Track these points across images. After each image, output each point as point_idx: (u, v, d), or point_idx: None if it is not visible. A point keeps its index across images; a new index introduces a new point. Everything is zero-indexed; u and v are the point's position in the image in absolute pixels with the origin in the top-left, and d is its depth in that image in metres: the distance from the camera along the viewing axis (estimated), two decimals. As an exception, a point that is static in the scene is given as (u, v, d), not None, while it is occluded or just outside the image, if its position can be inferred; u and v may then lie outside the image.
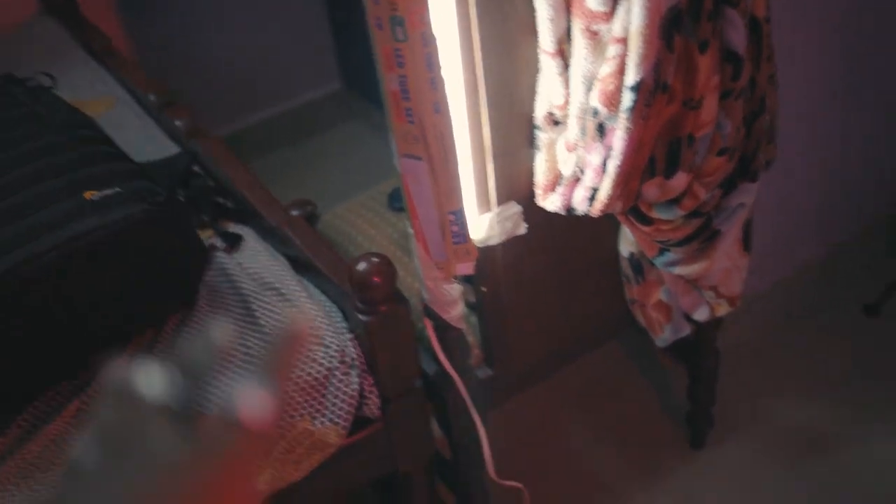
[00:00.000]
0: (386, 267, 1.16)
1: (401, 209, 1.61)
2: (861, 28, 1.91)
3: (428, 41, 0.96)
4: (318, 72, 2.99)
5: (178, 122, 1.63)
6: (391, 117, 1.02)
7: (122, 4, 2.43)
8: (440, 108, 1.00)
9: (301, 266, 1.35)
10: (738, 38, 1.08)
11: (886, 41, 2.03)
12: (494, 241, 1.19)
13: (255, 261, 1.35)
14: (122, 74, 1.85)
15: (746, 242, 1.36)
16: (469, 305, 1.24)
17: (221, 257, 1.36)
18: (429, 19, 0.94)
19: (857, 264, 2.26)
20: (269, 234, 1.42)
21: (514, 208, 1.17)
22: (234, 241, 1.39)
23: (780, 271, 2.11)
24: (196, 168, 1.52)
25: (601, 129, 1.06)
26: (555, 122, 1.12)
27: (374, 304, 1.17)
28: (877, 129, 2.16)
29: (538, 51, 1.06)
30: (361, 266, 1.16)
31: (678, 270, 1.32)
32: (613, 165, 1.07)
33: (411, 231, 1.12)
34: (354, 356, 1.20)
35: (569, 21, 1.03)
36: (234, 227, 1.43)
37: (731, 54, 1.09)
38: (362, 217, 1.59)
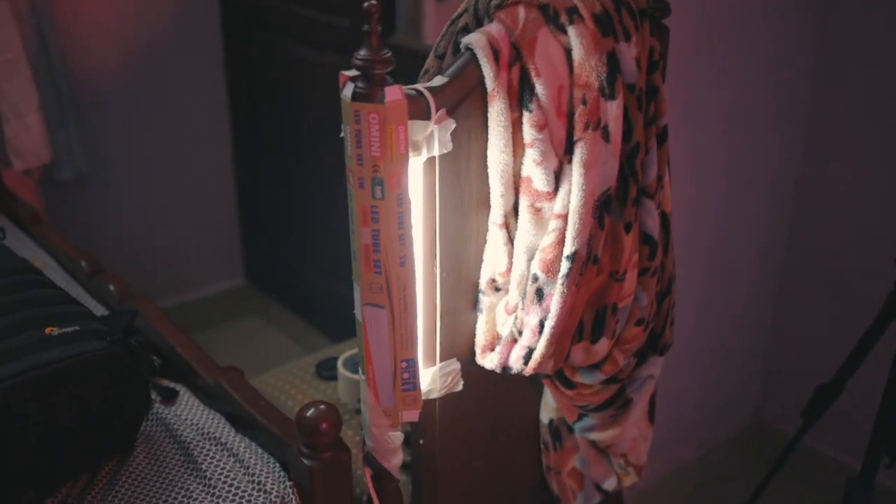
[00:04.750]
0: (333, 414, 1.22)
1: (330, 378, 1.67)
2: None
3: (401, 202, 1.09)
4: (222, 267, 3.08)
5: (111, 288, 1.68)
6: (359, 268, 1.12)
7: (43, 178, 2.49)
8: (405, 262, 1.12)
9: (237, 422, 1.38)
10: (652, 224, 1.28)
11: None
12: (434, 396, 1.27)
13: (192, 413, 1.38)
14: (50, 242, 1.89)
15: (651, 414, 1.50)
16: (403, 466, 1.30)
17: (159, 409, 1.38)
18: (405, 183, 1.08)
19: (732, 467, 2.45)
20: (202, 393, 1.46)
21: (455, 365, 1.28)
22: (170, 395, 1.42)
23: (662, 469, 2.26)
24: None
25: (539, 294, 1.21)
26: (496, 289, 1.26)
27: (320, 449, 1.21)
28: (749, 342, 2.42)
29: (488, 223, 1.22)
30: (310, 412, 1.21)
31: (594, 436, 1.44)
32: (549, 326, 1.20)
33: (363, 377, 1.20)
34: (294, 504, 1.23)
35: (516, 198, 1.20)
36: (168, 384, 1.47)
37: (648, 237, 1.28)
38: (291, 384, 1.64)
